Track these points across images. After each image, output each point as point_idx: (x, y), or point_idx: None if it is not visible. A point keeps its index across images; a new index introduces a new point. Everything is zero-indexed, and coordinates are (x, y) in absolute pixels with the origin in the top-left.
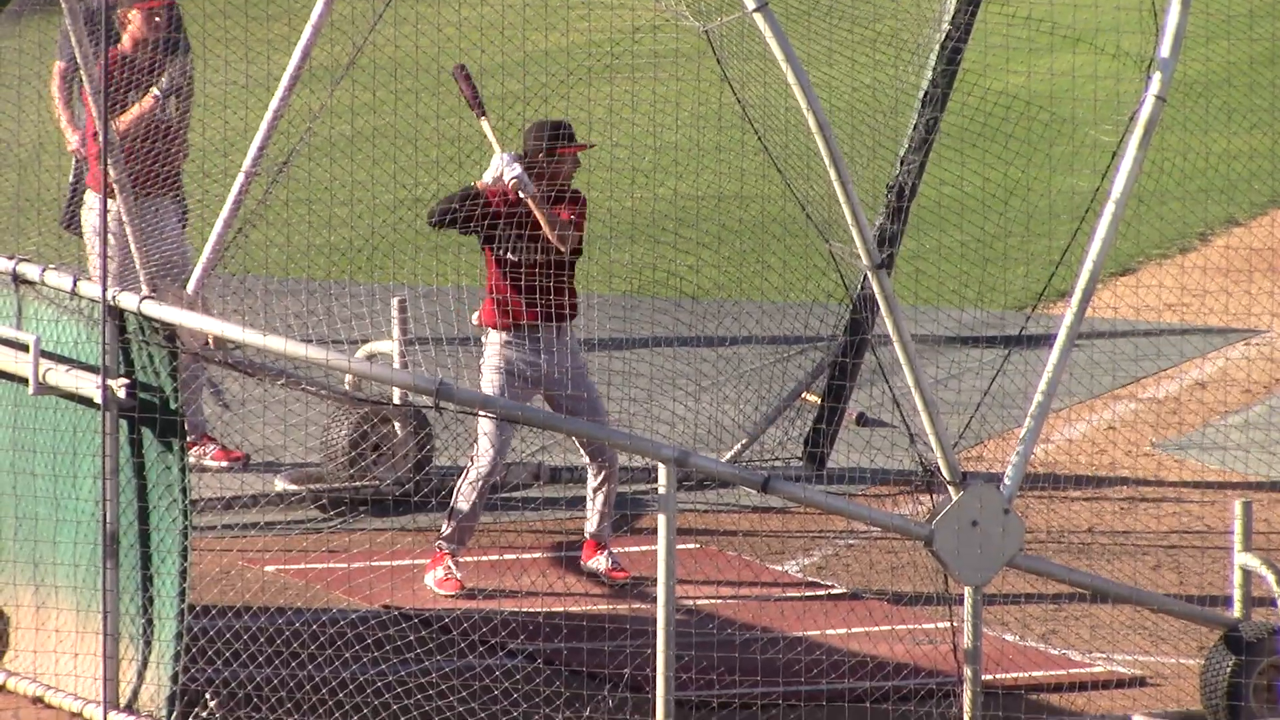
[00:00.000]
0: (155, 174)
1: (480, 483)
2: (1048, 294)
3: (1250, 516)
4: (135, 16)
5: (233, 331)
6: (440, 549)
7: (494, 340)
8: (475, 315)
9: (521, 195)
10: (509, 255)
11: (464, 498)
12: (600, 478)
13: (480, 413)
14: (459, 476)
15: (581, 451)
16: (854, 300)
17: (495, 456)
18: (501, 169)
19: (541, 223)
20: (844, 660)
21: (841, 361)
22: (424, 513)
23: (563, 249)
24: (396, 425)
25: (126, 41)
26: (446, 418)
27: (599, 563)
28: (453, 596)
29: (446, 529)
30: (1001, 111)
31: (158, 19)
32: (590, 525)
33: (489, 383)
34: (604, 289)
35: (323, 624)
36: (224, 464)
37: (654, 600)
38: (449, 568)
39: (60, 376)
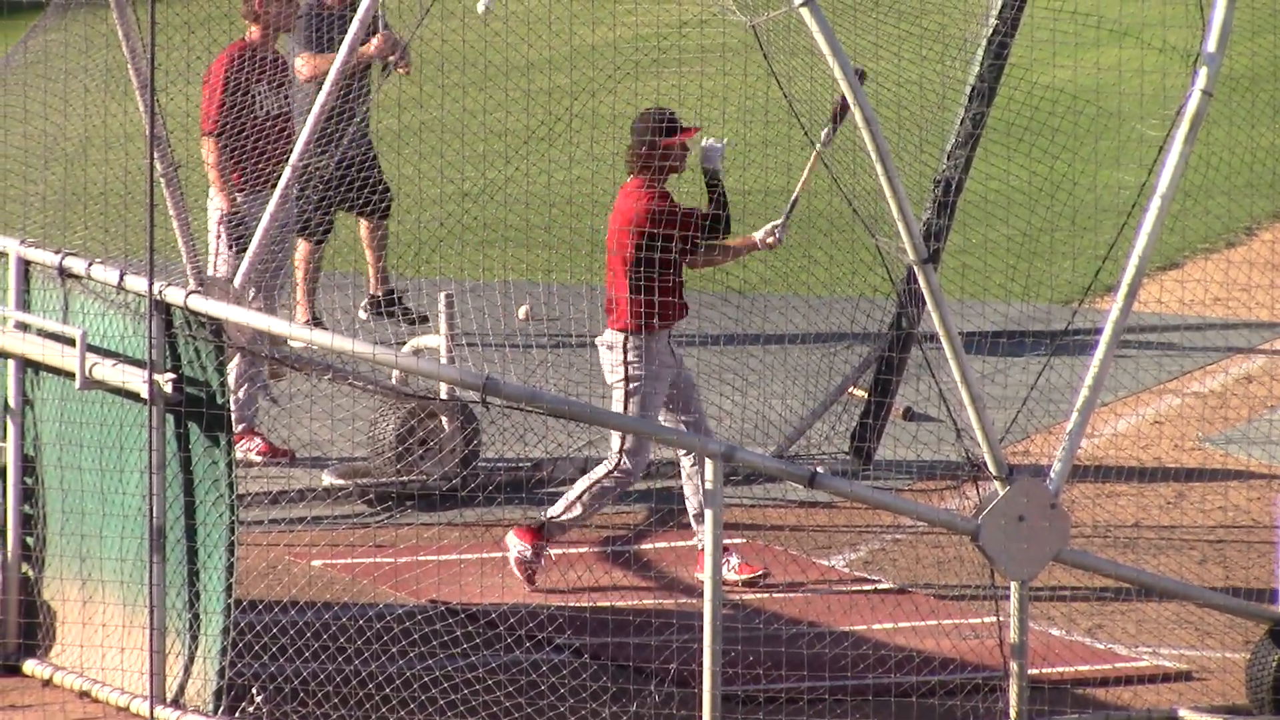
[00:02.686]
0: (271, 169)
1: (611, 492)
2: (1094, 289)
3: None
4: (273, 8)
5: (279, 326)
6: (537, 530)
7: (639, 344)
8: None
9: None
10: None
11: (586, 501)
12: (694, 464)
13: (526, 408)
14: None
15: (683, 461)
16: (900, 295)
17: (634, 470)
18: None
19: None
20: (890, 655)
21: (888, 356)
22: (471, 507)
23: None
24: (444, 420)
25: (255, 32)
26: (493, 412)
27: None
28: (509, 586)
29: (559, 514)
30: (1048, 106)
31: (291, 10)
32: (699, 533)
33: (650, 391)
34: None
35: (369, 619)
36: (265, 459)
37: (700, 595)
38: (537, 548)
39: (107, 371)
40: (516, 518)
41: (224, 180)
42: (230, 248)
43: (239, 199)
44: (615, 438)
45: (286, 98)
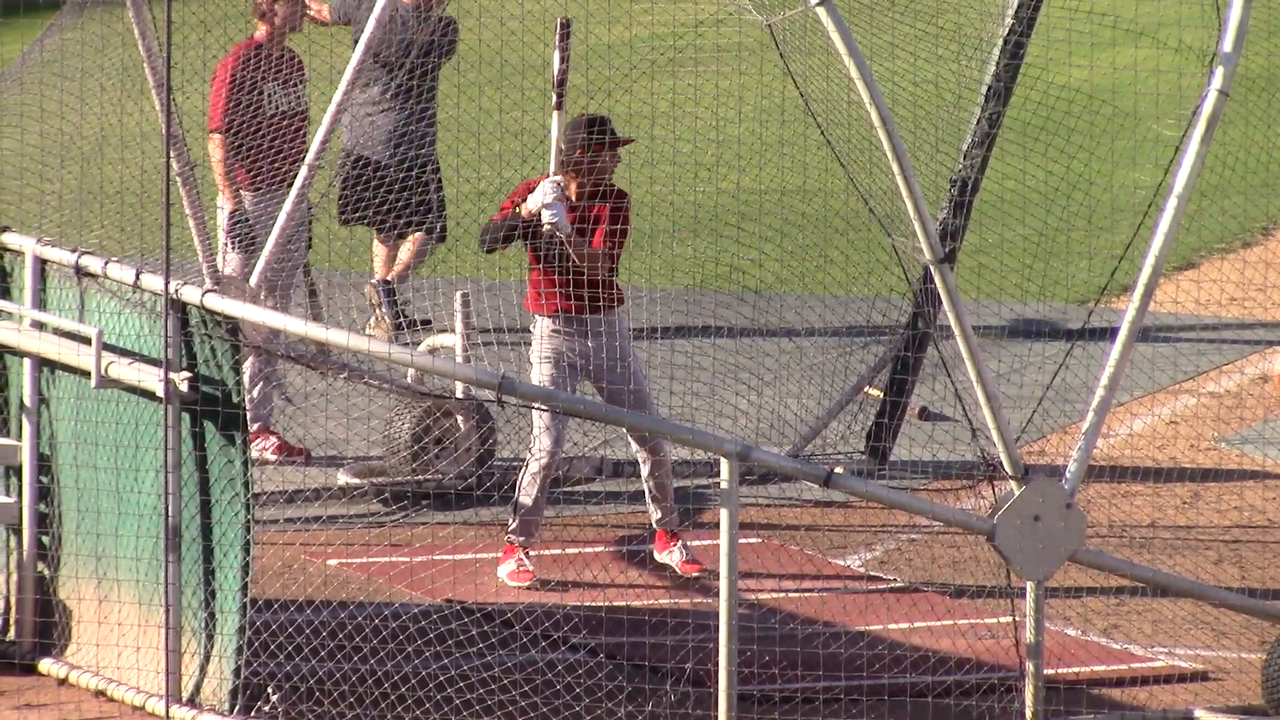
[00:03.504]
0: (285, 167)
1: (540, 474)
2: (1110, 288)
3: None
4: (281, 8)
5: (295, 325)
6: (510, 542)
7: (542, 328)
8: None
9: (557, 235)
10: (544, 263)
11: (525, 491)
12: (650, 464)
13: (541, 406)
14: (520, 470)
15: (631, 441)
16: (916, 294)
17: (553, 448)
18: (542, 208)
19: (574, 257)
20: (906, 655)
21: (904, 356)
22: (486, 507)
23: (592, 275)
24: (459, 419)
25: (262, 31)
26: (509, 411)
27: (672, 555)
28: (525, 588)
29: (513, 523)
30: (1064, 106)
31: (300, 9)
32: (654, 514)
33: (539, 372)
34: (667, 283)
35: (385, 618)
36: (280, 458)
37: (716, 594)
38: (520, 560)
39: (122, 370)
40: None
41: (229, 179)
42: (234, 246)
43: (248, 197)
44: (535, 419)
45: (299, 96)
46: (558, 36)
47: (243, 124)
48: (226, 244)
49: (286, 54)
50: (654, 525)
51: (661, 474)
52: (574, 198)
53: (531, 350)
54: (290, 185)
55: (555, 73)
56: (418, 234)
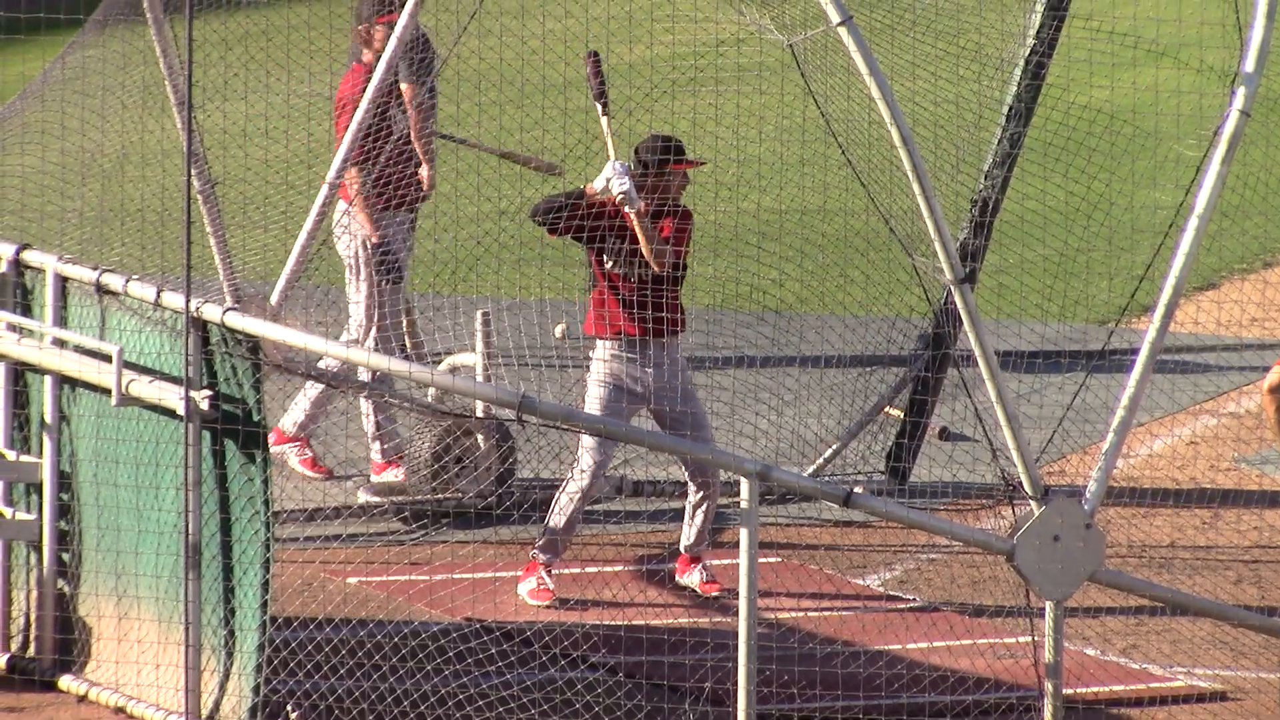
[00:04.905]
0: (399, 188)
1: (579, 497)
2: (1131, 309)
3: None
4: (381, 32)
5: (316, 344)
6: (535, 559)
7: (601, 352)
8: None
9: (626, 210)
10: (611, 267)
11: (561, 511)
12: (700, 495)
13: (562, 426)
14: (556, 488)
15: (682, 467)
16: (937, 314)
17: (596, 471)
18: (610, 179)
19: (641, 240)
20: (925, 674)
21: (924, 376)
22: (506, 525)
23: (657, 268)
24: (479, 438)
25: (369, 56)
26: (529, 430)
27: (692, 578)
28: (544, 607)
29: (541, 540)
30: (1085, 126)
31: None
32: (685, 539)
33: (595, 396)
34: (687, 302)
35: (404, 636)
36: (307, 472)
37: (736, 614)
38: (542, 578)
39: (143, 387)
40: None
41: (370, 210)
42: (384, 279)
43: (378, 219)
44: (579, 443)
45: (405, 117)
46: (590, 66)
47: (376, 151)
48: (361, 277)
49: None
50: (681, 548)
51: (708, 505)
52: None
53: (590, 373)
54: (406, 208)
55: (593, 88)
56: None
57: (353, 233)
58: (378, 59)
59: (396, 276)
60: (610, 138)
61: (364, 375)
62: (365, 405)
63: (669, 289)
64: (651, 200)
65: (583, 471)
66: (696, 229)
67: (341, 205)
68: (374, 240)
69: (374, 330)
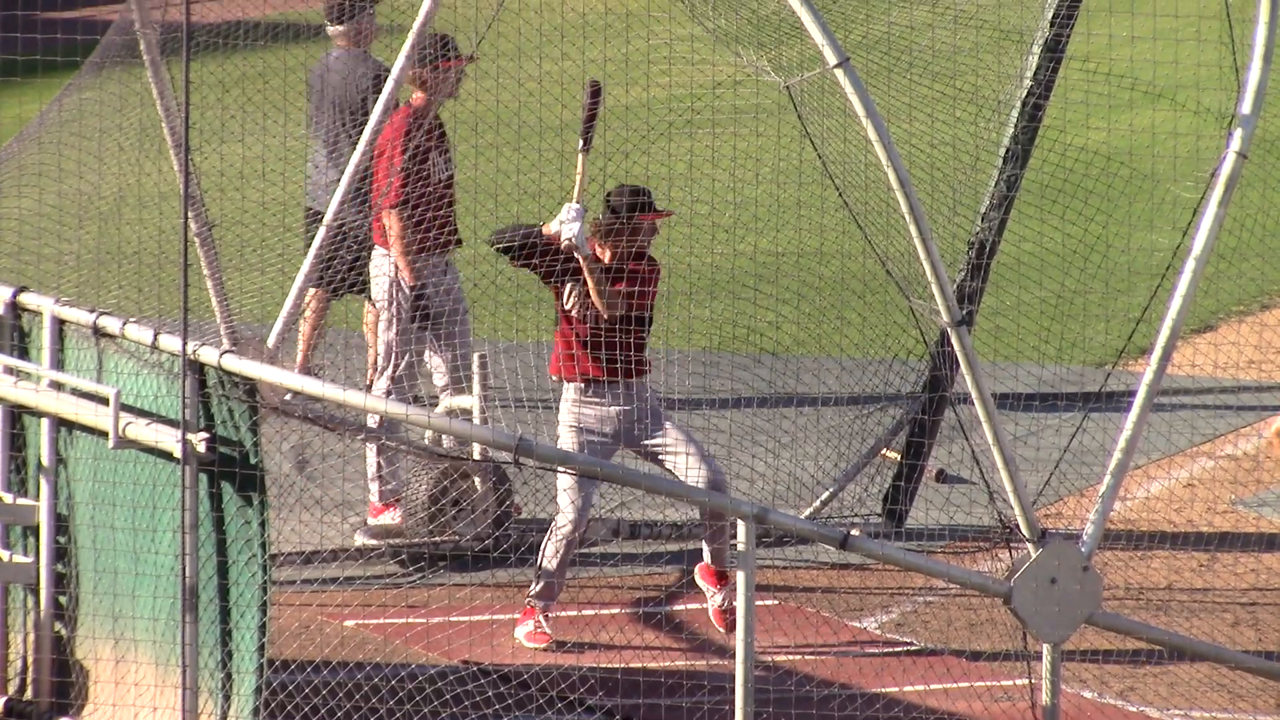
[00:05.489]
0: (440, 230)
1: (564, 541)
2: (1128, 351)
3: None
4: (433, 74)
5: (312, 386)
6: (530, 605)
7: (567, 394)
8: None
9: (575, 255)
10: (569, 308)
11: (549, 556)
12: (710, 529)
13: (560, 469)
14: (543, 533)
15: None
16: (934, 357)
17: (577, 514)
18: (563, 223)
19: (590, 285)
20: (922, 717)
21: (921, 418)
22: (503, 568)
23: (605, 314)
24: (476, 480)
25: (418, 99)
26: (526, 473)
27: (714, 598)
28: (541, 649)
29: (535, 586)
30: (1082, 168)
31: (455, 77)
32: (706, 553)
33: (564, 440)
34: (684, 344)
35: (401, 679)
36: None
37: (732, 656)
38: (539, 622)
39: (140, 430)
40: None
41: (408, 254)
42: (413, 321)
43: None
44: (558, 486)
45: (451, 161)
46: (588, 94)
47: (416, 194)
48: (394, 316)
49: (437, 121)
50: (705, 558)
51: (721, 536)
52: (606, 260)
53: (559, 417)
54: (446, 249)
55: (583, 116)
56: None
57: (388, 274)
58: (428, 100)
59: (422, 319)
60: (580, 177)
61: (372, 420)
62: (369, 447)
63: (632, 329)
64: (619, 246)
65: (564, 514)
66: (693, 270)
67: (379, 250)
68: (409, 284)
69: (390, 372)
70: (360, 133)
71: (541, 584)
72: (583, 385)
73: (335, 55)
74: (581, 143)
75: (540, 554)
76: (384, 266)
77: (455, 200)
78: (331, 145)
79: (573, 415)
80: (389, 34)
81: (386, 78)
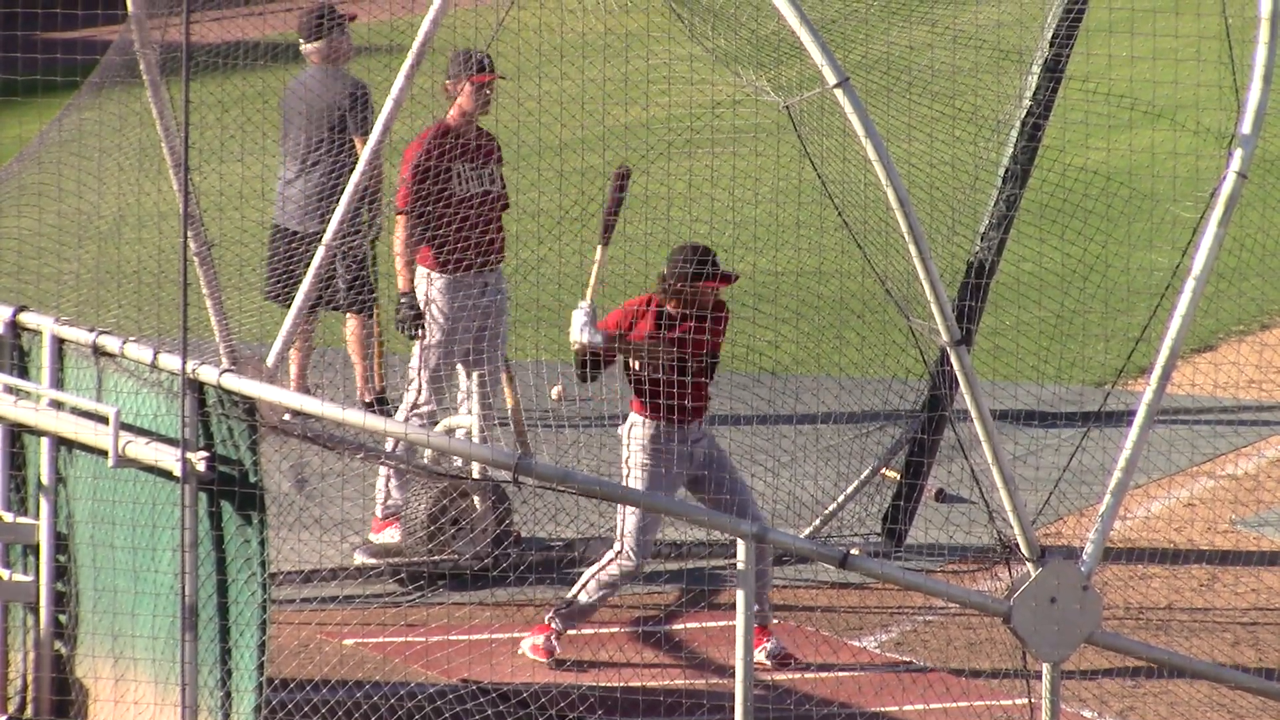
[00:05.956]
0: (488, 247)
1: (616, 579)
2: (1127, 370)
3: None
4: (466, 89)
5: (312, 405)
6: (548, 622)
7: (644, 430)
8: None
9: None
10: (637, 369)
11: (591, 589)
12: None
13: (558, 488)
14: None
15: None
16: (933, 376)
17: (640, 560)
18: (575, 331)
19: (633, 356)
20: None
21: (920, 438)
22: (503, 587)
23: (650, 368)
24: (475, 499)
25: (454, 113)
26: (526, 492)
27: (759, 653)
28: (541, 664)
29: (564, 608)
30: (1082, 187)
31: (488, 93)
32: None
33: (639, 475)
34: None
35: (401, 698)
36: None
37: (732, 675)
38: (550, 640)
39: (140, 449)
40: (549, 597)
41: (407, 260)
42: (404, 330)
43: (438, 280)
44: (620, 525)
45: (492, 177)
46: (614, 185)
47: (431, 206)
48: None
49: (479, 135)
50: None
51: (761, 567)
52: (672, 309)
53: (629, 450)
54: (483, 268)
55: (607, 205)
56: (353, 319)
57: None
58: (463, 117)
59: (413, 332)
60: (596, 268)
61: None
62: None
63: (697, 377)
64: (683, 306)
65: (628, 555)
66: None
67: (421, 270)
68: (400, 290)
69: (413, 398)
70: (334, 150)
71: (569, 609)
72: (662, 422)
73: (310, 73)
74: (602, 231)
75: (584, 580)
76: (421, 287)
77: (496, 218)
78: (299, 162)
79: (651, 451)
80: (387, 53)
81: (362, 95)
